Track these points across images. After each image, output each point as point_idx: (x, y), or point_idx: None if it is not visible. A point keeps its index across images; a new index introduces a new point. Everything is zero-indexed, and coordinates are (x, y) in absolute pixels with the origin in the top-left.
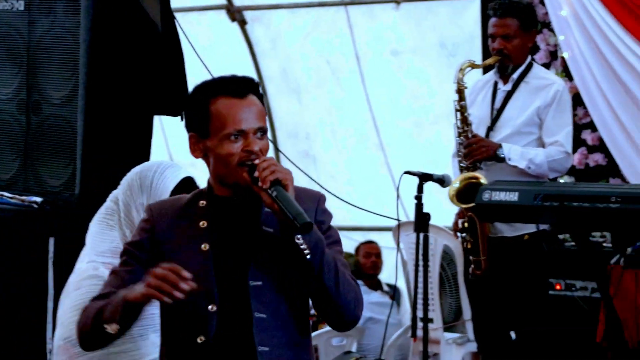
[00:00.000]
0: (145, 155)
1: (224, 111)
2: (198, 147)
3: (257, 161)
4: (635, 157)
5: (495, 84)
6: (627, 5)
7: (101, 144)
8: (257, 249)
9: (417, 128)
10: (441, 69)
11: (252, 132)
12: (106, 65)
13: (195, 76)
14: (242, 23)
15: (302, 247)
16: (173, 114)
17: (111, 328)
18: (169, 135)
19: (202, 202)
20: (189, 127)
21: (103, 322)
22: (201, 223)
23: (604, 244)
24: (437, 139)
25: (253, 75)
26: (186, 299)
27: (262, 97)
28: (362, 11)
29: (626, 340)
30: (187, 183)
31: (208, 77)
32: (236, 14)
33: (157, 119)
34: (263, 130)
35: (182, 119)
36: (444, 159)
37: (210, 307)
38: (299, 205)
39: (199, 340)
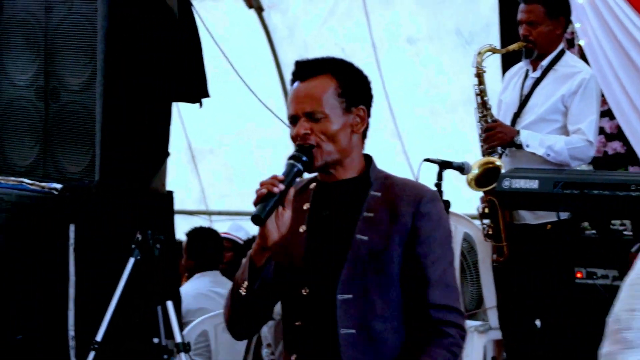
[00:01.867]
0: (163, 142)
1: (289, 95)
2: None
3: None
4: None
5: (527, 71)
6: None
7: (120, 131)
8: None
9: (434, 116)
10: (457, 57)
11: (301, 115)
12: (124, 51)
13: (212, 63)
14: (259, 10)
15: None
16: (191, 100)
17: (243, 287)
18: (187, 122)
19: (313, 185)
20: None
21: (237, 289)
22: (305, 206)
23: (624, 232)
24: (454, 127)
25: (270, 62)
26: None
27: (343, 76)
28: None
29: None
30: None
31: (226, 64)
32: (253, 1)
33: (175, 106)
34: (312, 114)
35: (200, 106)
36: (460, 146)
37: (303, 290)
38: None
39: (297, 324)
